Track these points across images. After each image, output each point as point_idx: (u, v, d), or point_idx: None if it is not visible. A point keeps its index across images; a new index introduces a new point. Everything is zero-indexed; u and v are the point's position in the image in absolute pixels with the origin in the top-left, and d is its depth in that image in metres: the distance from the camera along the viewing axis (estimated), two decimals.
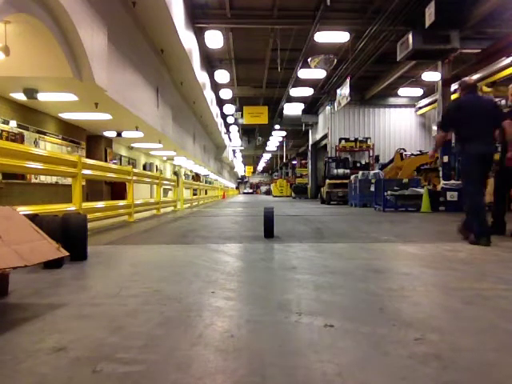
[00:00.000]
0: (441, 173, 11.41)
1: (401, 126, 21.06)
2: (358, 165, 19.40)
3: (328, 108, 21.03)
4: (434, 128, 14.53)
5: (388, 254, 3.65)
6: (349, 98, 15.67)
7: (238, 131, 31.06)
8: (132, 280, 2.52)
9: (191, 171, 31.89)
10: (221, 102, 23.74)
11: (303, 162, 33.88)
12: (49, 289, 2.30)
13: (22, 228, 2.08)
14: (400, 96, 20.35)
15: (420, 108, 20.26)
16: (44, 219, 3.01)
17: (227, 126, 29.63)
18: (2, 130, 8.70)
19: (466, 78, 4.66)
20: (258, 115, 23.08)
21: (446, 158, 11.47)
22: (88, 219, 3.57)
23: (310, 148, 26.81)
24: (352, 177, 14.31)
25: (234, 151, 42.90)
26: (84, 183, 7.15)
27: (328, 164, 17.84)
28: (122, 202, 7.73)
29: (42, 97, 8.29)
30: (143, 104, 11.09)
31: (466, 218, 4.26)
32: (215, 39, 13.41)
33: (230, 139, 34.21)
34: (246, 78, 20.34)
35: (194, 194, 18.02)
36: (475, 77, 13.78)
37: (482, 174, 4.24)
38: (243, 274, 2.77)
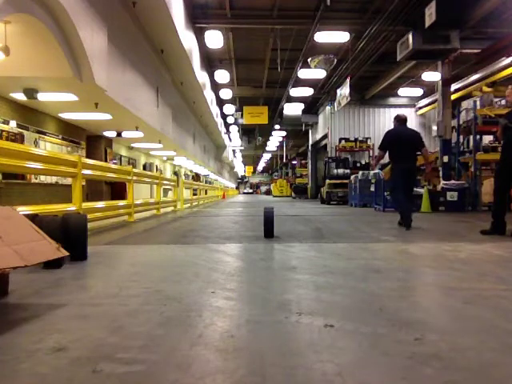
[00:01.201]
0: (441, 173, 11.42)
1: None
2: (358, 165, 19.38)
3: (328, 108, 21.01)
4: (434, 128, 14.51)
5: (388, 254, 3.65)
6: (349, 98, 15.65)
7: (238, 131, 31.04)
8: (132, 280, 2.52)
9: (191, 171, 31.89)
10: (221, 102, 23.73)
11: (303, 162, 33.86)
12: (49, 289, 2.30)
13: (21, 228, 2.08)
14: (400, 96, 20.32)
15: (420, 108, 20.24)
16: (44, 219, 3.01)
17: (227, 126, 29.62)
18: (2, 130, 8.70)
19: (401, 114, 6.24)
20: (258, 115, 23.05)
21: (445, 158, 11.47)
22: (88, 219, 3.57)
23: (309, 148, 26.79)
24: (352, 177, 14.29)
25: (234, 151, 42.87)
26: (84, 183, 7.15)
27: (328, 164, 17.83)
28: (121, 202, 7.72)
29: (41, 97, 8.29)
30: (143, 104, 11.09)
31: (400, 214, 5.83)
32: (215, 39, 13.40)
33: (229, 139, 34.20)
34: (246, 77, 20.32)
35: (194, 194, 18.02)
36: (475, 77, 13.85)
37: (405, 183, 5.75)
38: (243, 273, 2.77)
